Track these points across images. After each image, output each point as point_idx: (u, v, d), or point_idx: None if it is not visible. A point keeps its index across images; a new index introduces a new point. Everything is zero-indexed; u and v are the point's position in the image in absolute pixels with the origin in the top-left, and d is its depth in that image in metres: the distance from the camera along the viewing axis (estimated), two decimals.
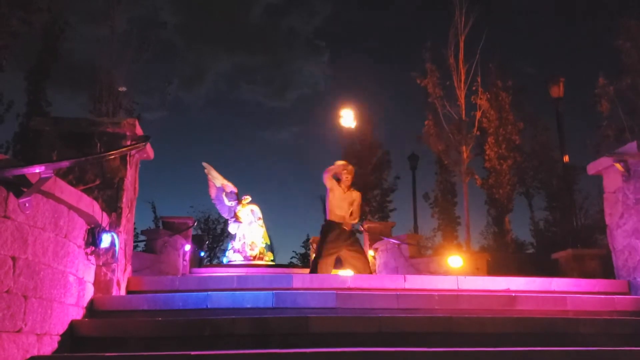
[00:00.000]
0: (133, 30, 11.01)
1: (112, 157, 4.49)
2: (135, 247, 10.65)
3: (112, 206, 4.55)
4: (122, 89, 9.59)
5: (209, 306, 4.29)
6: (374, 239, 12.01)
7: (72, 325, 3.67)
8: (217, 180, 14.59)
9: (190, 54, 54.59)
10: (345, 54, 57.39)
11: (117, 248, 4.39)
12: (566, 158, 11.78)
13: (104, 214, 4.29)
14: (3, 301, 2.90)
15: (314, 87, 56.67)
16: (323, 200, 26.00)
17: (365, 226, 12.68)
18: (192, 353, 3.20)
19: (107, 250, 4.33)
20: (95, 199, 4.30)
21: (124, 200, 4.63)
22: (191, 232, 12.78)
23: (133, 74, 9.96)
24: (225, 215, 15.15)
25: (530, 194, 18.35)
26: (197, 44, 57.19)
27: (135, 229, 9.10)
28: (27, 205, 3.09)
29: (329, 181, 6.76)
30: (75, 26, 13.91)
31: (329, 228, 6.58)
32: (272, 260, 14.35)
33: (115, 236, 4.33)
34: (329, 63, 54.86)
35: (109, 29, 10.45)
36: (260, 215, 14.48)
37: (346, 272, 6.20)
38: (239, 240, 14.25)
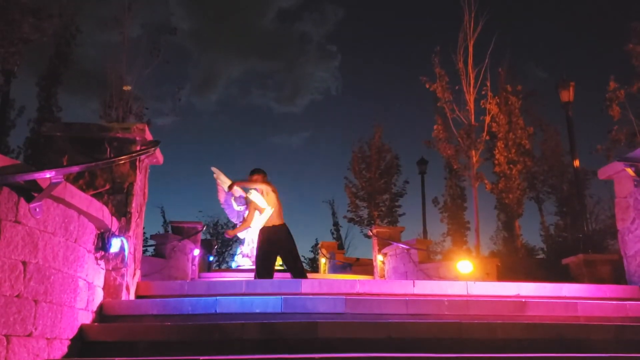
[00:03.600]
0: (144, 36, 11.08)
1: (122, 162, 4.51)
2: (144, 251, 10.68)
3: (121, 211, 4.58)
4: (127, 88, 9.60)
5: (217, 311, 4.30)
6: (383, 243, 11.98)
7: (82, 329, 3.69)
8: (226, 185, 14.61)
9: (202, 59, 54.94)
10: (356, 59, 57.54)
11: (126, 253, 4.41)
12: (577, 162, 11.69)
13: (114, 219, 4.31)
14: (14, 305, 2.92)
15: (325, 92, 56.83)
16: (332, 205, 25.90)
17: (374, 231, 12.64)
18: (201, 358, 3.20)
19: (116, 254, 4.35)
20: (105, 203, 4.33)
21: (133, 205, 4.65)
22: (200, 236, 12.82)
23: (144, 80, 9.99)
24: (234, 220, 15.12)
25: (540, 199, 18.21)
26: (209, 50, 57.53)
27: (144, 233, 9.14)
28: (37, 210, 3.11)
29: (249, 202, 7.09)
30: (86, 32, 14.02)
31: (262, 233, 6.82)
32: (280, 265, 14.36)
33: (124, 241, 4.35)
34: (340, 68, 55.04)
35: (119, 34, 10.50)
36: None
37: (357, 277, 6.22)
38: (248, 245, 14.25)
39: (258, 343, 3.73)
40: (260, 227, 6.83)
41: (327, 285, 5.13)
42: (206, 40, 57.12)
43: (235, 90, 59.70)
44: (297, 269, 6.56)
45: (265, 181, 6.83)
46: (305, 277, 6.48)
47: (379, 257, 12.05)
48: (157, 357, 3.47)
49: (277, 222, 6.69)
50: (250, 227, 7.09)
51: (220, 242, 25.97)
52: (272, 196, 6.72)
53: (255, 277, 6.53)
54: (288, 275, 6.84)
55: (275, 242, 6.63)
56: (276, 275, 6.86)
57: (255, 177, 6.82)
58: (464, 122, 13.86)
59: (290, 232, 6.77)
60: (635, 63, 12.56)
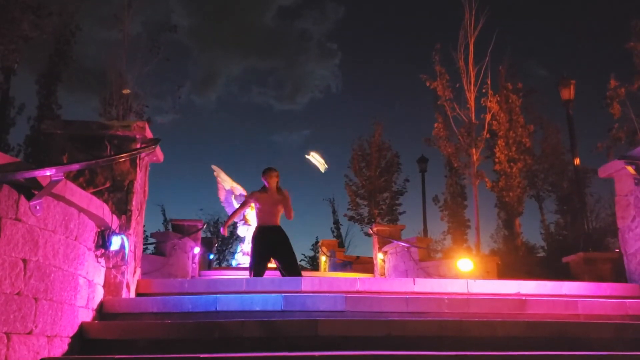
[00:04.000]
0: (144, 34, 11.09)
1: (122, 160, 4.51)
2: (144, 249, 10.70)
3: (122, 209, 4.57)
4: (127, 91, 9.61)
5: (218, 309, 4.29)
6: (384, 241, 11.97)
7: (82, 327, 3.69)
8: (226, 183, 14.64)
9: (202, 57, 54.93)
10: (356, 57, 57.52)
11: (126, 250, 4.41)
12: (577, 161, 11.69)
13: (114, 217, 4.31)
14: (14, 303, 2.92)
15: (325, 90, 56.82)
16: (332, 203, 25.77)
17: (375, 229, 12.65)
18: (201, 356, 3.20)
19: (117, 252, 4.35)
20: (106, 201, 4.33)
21: (133, 202, 4.64)
22: (200, 234, 12.82)
23: (144, 77, 9.99)
24: (235, 218, 15.19)
25: (540, 197, 18.25)
26: (209, 47, 57.52)
27: (144, 231, 9.15)
28: (37, 207, 3.10)
29: (250, 200, 6.92)
30: (86, 30, 14.03)
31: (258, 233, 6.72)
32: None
33: (125, 239, 4.35)
34: (341, 66, 55.04)
35: (119, 32, 10.51)
36: None
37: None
38: (248, 243, 14.25)
39: (258, 341, 3.72)
40: (256, 227, 6.82)
41: (327, 283, 5.12)
42: (206, 37, 57.15)
43: (235, 88, 59.79)
44: (291, 271, 6.49)
45: (272, 181, 6.74)
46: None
47: (380, 255, 12.06)
48: (157, 355, 3.47)
49: (272, 222, 6.67)
50: (249, 225, 7.09)
51: (220, 240, 25.99)
52: (279, 201, 6.68)
53: (249, 276, 6.52)
54: None
55: (268, 243, 6.59)
56: (276, 273, 6.84)
57: (269, 173, 6.78)
58: (465, 120, 13.86)
59: (286, 233, 6.75)
60: (635, 61, 12.58)
